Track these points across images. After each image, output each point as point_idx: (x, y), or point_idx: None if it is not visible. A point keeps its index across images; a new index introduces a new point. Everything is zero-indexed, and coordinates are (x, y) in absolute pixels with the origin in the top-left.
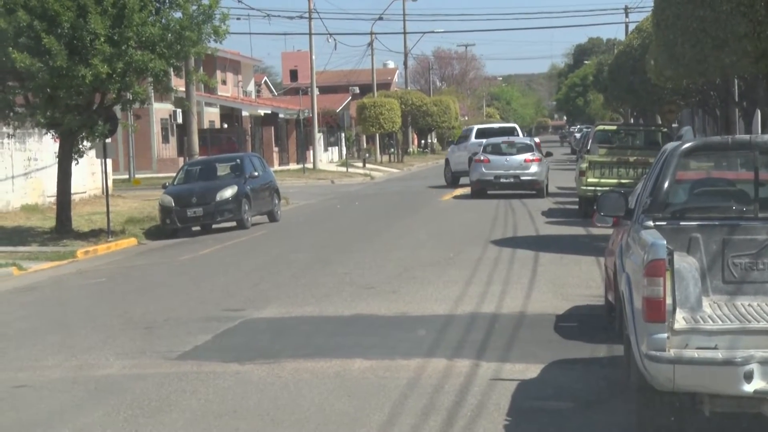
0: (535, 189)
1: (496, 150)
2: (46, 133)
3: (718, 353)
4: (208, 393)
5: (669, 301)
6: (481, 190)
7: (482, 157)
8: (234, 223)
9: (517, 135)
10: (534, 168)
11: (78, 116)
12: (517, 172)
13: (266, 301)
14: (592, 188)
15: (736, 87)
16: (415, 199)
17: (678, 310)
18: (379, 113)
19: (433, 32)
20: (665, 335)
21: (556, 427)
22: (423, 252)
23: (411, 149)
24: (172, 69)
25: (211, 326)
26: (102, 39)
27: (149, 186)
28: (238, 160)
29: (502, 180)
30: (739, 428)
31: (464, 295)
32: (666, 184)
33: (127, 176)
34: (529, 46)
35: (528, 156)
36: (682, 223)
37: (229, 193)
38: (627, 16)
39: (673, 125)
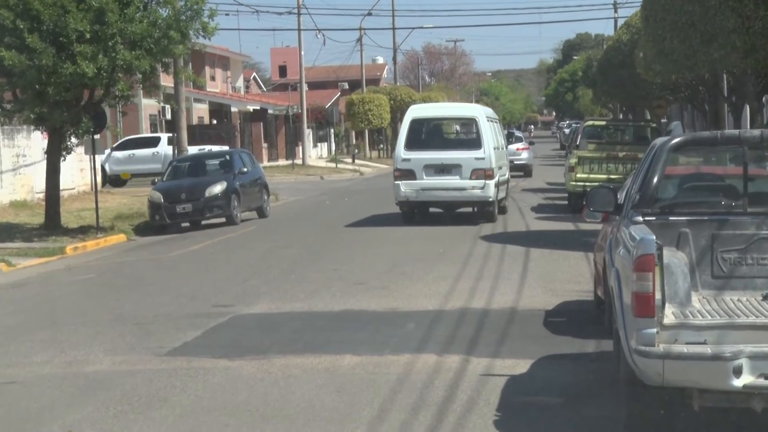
0: (525, 171)
1: None
2: (35, 129)
3: (708, 348)
4: (198, 389)
5: (658, 296)
6: None
7: None
8: (223, 219)
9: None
10: (525, 155)
11: (65, 112)
12: (512, 158)
13: (256, 297)
14: (582, 184)
15: (725, 82)
16: None
17: (667, 305)
18: (368, 109)
19: (422, 28)
20: (654, 330)
21: (545, 422)
22: (412, 247)
23: None
24: (160, 66)
25: (200, 322)
26: (88, 36)
27: (138, 182)
28: (227, 156)
29: None
30: (728, 423)
31: (454, 290)
32: (655, 180)
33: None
34: (518, 42)
35: (519, 145)
36: (671, 218)
37: (218, 189)
38: (616, 12)
39: (662, 120)
